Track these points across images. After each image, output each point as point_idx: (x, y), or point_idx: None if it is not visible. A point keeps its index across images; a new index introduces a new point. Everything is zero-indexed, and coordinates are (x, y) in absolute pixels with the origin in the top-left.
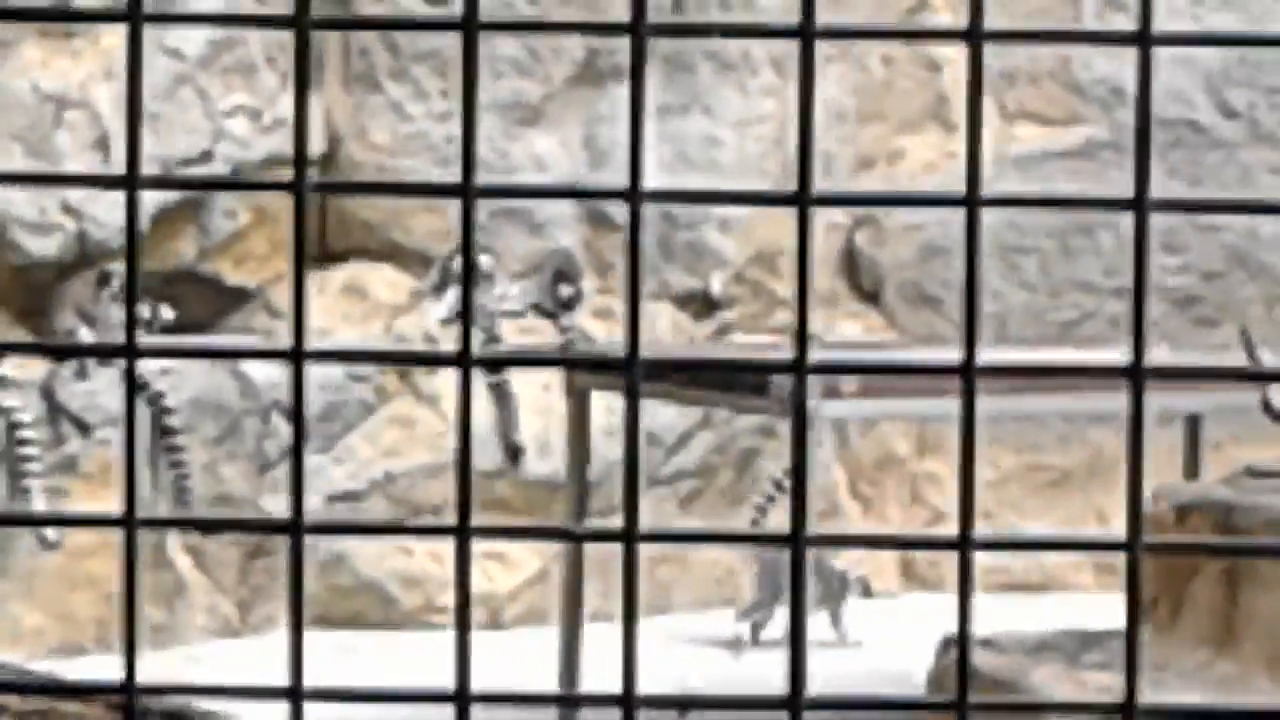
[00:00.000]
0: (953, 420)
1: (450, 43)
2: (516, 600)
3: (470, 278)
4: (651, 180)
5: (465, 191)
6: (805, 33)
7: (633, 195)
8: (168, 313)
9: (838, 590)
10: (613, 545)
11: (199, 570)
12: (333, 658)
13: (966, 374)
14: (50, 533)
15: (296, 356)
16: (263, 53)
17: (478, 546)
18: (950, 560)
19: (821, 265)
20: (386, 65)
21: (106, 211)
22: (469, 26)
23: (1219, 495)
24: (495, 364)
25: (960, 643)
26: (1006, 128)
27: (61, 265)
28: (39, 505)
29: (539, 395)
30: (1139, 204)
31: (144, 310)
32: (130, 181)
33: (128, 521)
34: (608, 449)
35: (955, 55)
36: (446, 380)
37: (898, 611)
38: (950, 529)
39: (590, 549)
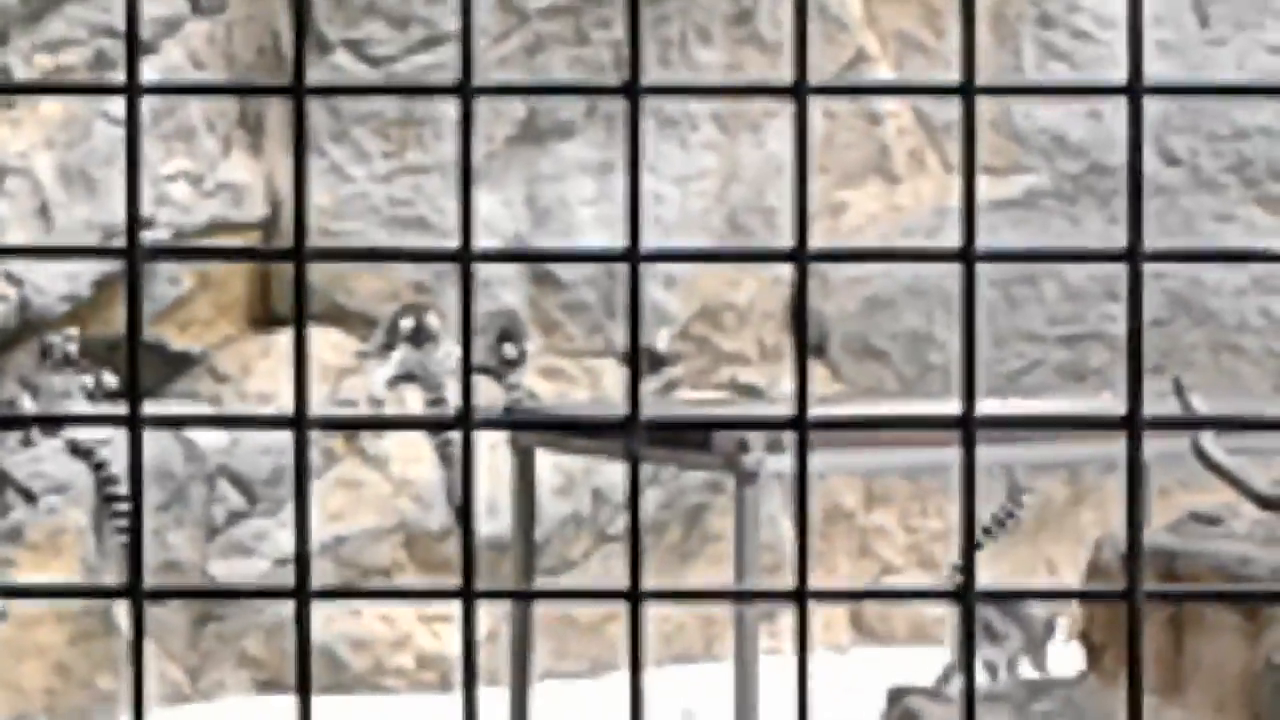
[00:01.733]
0: (900, 472)
1: (389, 105)
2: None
3: (469, 339)
4: (592, 238)
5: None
6: (799, 90)
7: (633, 255)
8: (111, 379)
9: (1041, 636)
10: (565, 605)
11: (148, 638)
12: None
13: (966, 425)
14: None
15: (299, 424)
16: (203, 117)
17: (426, 609)
18: (901, 613)
19: (767, 319)
20: (327, 127)
21: (49, 280)
22: (465, 91)
23: (1162, 541)
24: (499, 426)
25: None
26: (949, 179)
27: (3, 334)
28: None
29: (486, 455)
30: (1132, 256)
31: (87, 378)
32: (131, 252)
33: (133, 592)
34: (554, 507)
35: (897, 108)
36: (393, 443)
37: (847, 665)
38: (899, 580)
39: (548, 605)
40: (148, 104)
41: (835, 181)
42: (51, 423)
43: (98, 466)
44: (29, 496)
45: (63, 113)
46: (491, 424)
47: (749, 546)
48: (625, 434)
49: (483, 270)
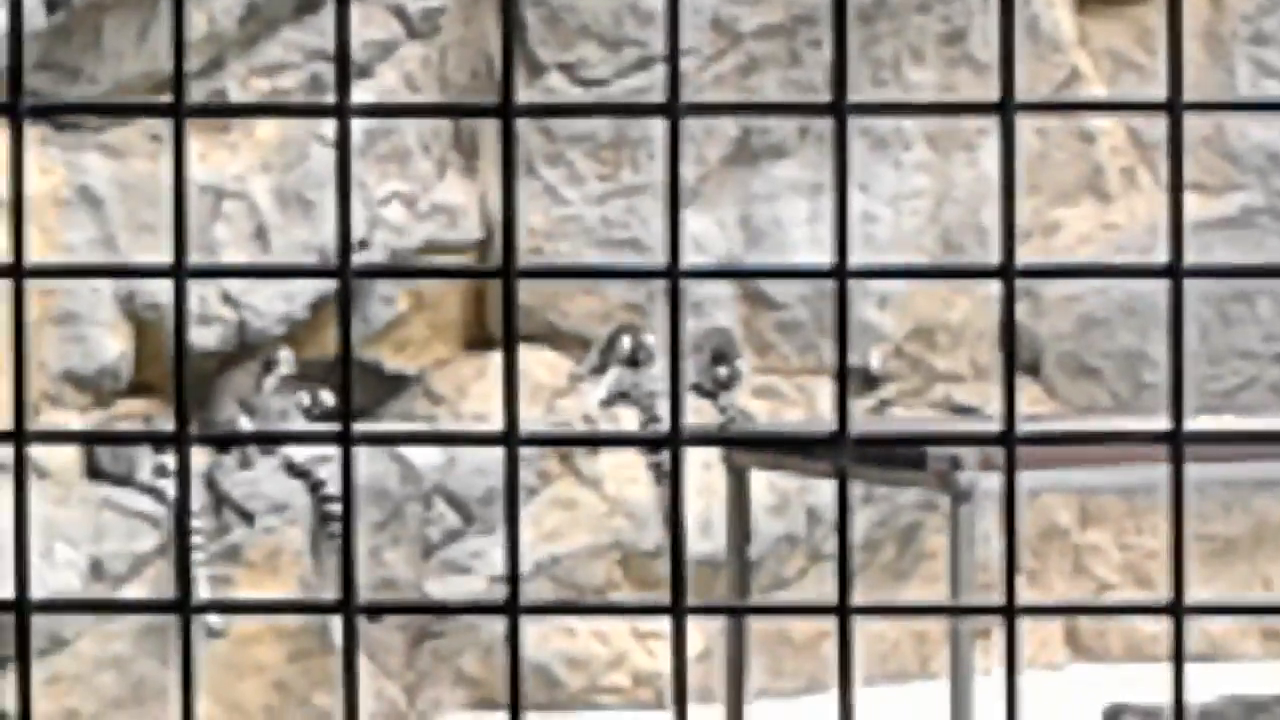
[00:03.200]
0: (1114, 490)
1: (602, 127)
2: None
3: (677, 354)
4: (805, 258)
5: (673, 273)
6: (1005, 107)
7: (840, 271)
8: (328, 398)
9: None
10: (776, 621)
11: (365, 656)
12: None
13: (1175, 441)
14: (216, 620)
15: (509, 440)
16: (418, 140)
17: (642, 625)
18: (1117, 630)
19: (981, 339)
20: (541, 149)
21: (266, 302)
22: (672, 111)
23: None
24: (708, 443)
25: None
26: (1162, 196)
27: (221, 355)
28: (204, 594)
29: (700, 474)
30: None
31: (304, 397)
32: (343, 271)
33: (346, 607)
34: (768, 527)
35: (1110, 126)
36: (607, 462)
37: (1063, 683)
38: (1117, 598)
39: (763, 624)
40: (362, 126)
41: (1048, 201)
42: (266, 440)
43: (315, 486)
44: (247, 517)
45: (278, 136)
46: (700, 440)
47: (963, 565)
48: (833, 450)
49: (695, 291)
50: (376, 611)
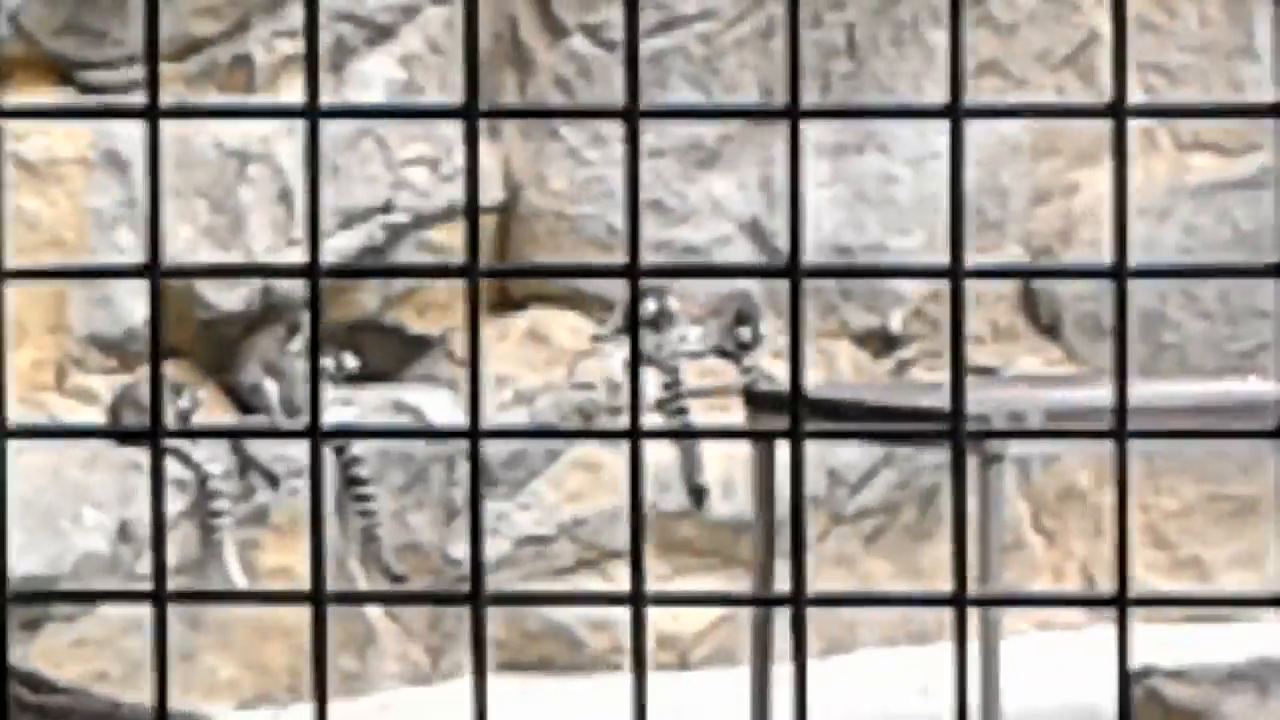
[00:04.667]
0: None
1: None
2: (704, 641)
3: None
4: (827, 219)
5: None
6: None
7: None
8: (351, 361)
9: None
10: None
11: (389, 618)
12: (520, 703)
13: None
14: (241, 581)
15: (314, 434)
16: (442, 103)
17: (665, 587)
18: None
19: (1001, 301)
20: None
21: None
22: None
23: None
24: (672, 436)
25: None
26: (1182, 158)
27: (247, 319)
28: (230, 557)
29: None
30: None
31: (328, 360)
32: (153, 271)
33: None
34: (788, 488)
35: (1129, 87)
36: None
37: (1080, 643)
38: (1135, 559)
39: (784, 585)
40: (386, 89)
41: (1067, 162)
42: (237, 435)
43: (339, 450)
44: (272, 479)
45: (303, 98)
46: (656, 434)
47: (992, 528)
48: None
49: (719, 253)
50: (344, 601)
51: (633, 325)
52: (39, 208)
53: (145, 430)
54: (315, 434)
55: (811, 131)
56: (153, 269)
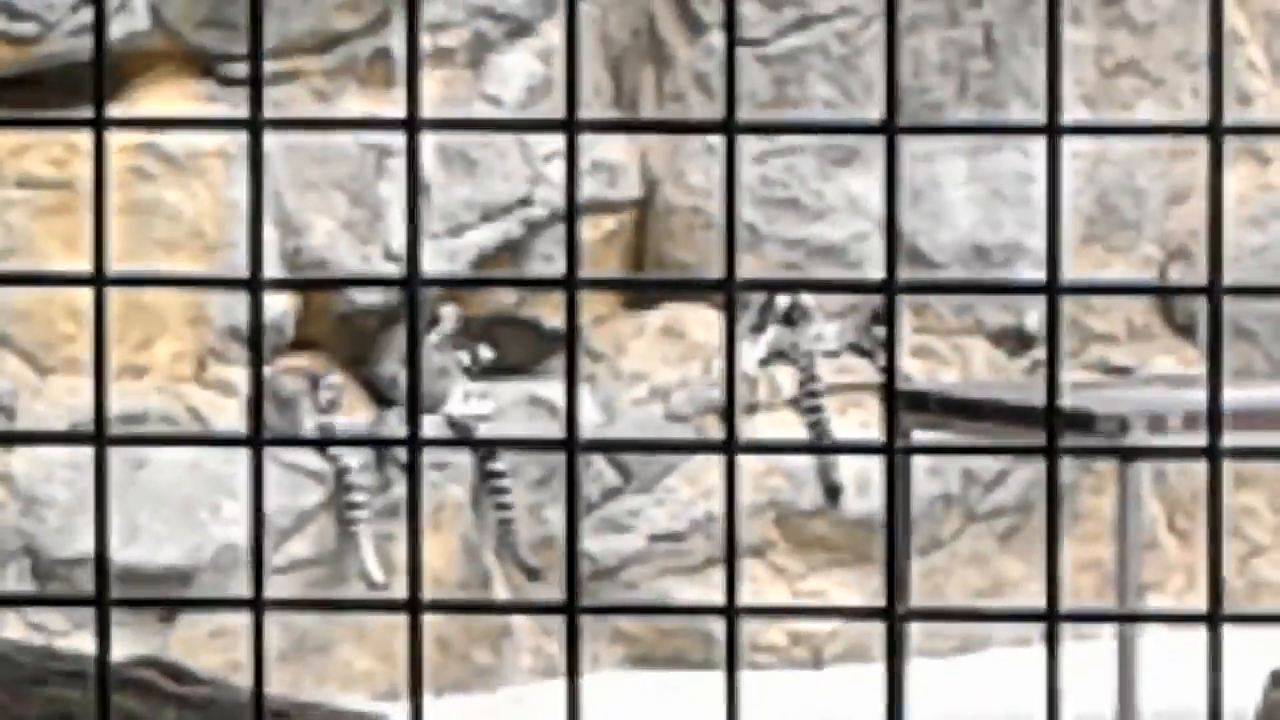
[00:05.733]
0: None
1: (763, 85)
2: (837, 638)
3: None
4: (963, 218)
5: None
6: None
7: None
8: (487, 353)
9: None
10: (937, 579)
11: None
12: (657, 698)
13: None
14: (378, 574)
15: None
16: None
17: (799, 585)
18: (1269, 591)
19: (1136, 301)
20: (701, 108)
21: (430, 260)
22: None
23: None
24: (767, 450)
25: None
26: None
27: (386, 313)
28: (367, 550)
29: (858, 434)
30: None
31: (465, 355)
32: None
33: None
34: (924, 487)
35: (1267, 89)
36: (764, 420)
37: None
38: (1268, 561)
39: (919, 585)
40: (524, 83)
41: (1204, 163)
42: (331, 444)
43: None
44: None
45: (442, 94)
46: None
47: (1131, 527)
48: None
49: (855, 251)
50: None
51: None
52: (181, 200)
53: (246, 438)
54: (415, 442)
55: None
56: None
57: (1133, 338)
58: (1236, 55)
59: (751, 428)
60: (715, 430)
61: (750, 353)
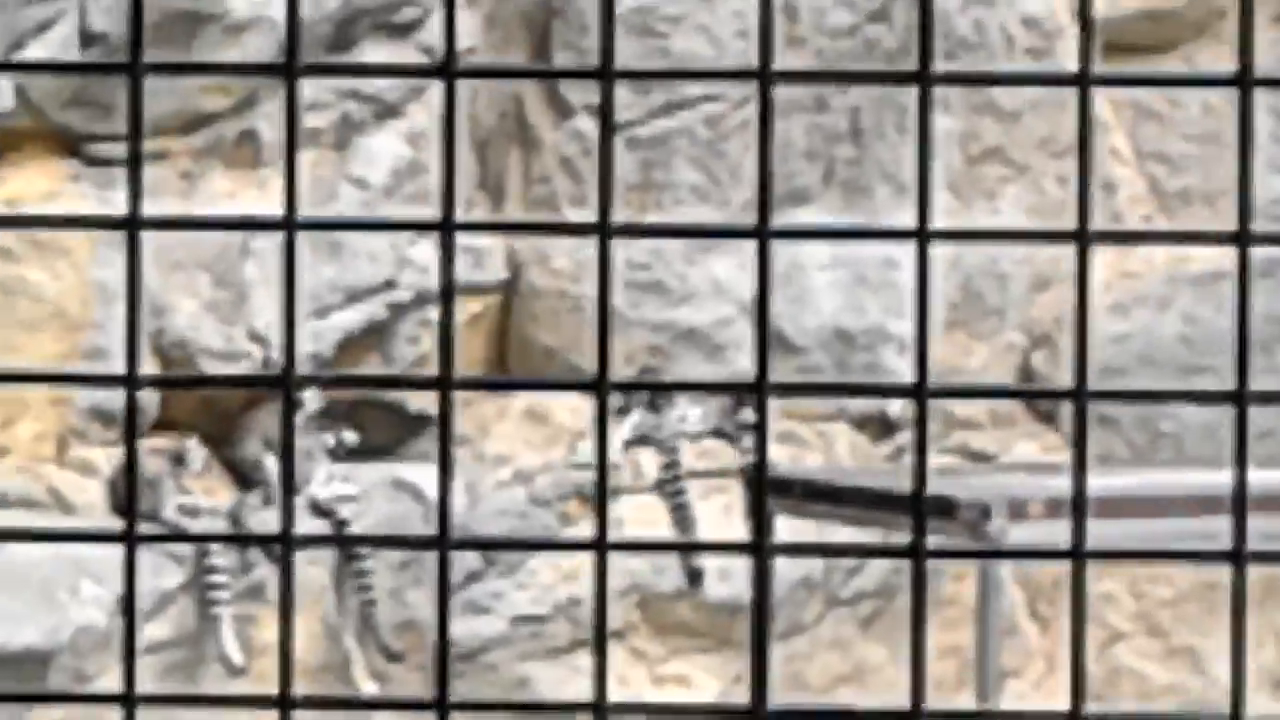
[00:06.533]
0: (1128, 541)
1: (629, 170)
2: None
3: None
4: (826, 302)
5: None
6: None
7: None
8: (351, 437)
9: None
10: (799, 665)
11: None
12: None
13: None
14: (237, 657)
15: (285, 540)
16: (444, 180)
17: (661, 669)
18: (1133, 679)
19: (999, 387)
20: (568, 191)
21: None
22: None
23: None
24: (637, 549)
25: None
26: (1180, 247)
27: (249, 393)
28: (227, 633)
29: (721, 519)
30: None
31: (330, 437)
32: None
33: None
34: (787, 571)
35: (1130, 176)
36: (627, 504)
37: None
38: (1128, 647)
39: (781, 670)
40: (391, 166)
41: (1070, 249)
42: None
43: (339, 525)
44: (271, 554)
45: (308, 175)
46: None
47: (991, 613)
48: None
49: (718, 335)
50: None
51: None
52: (44, 280)
53: (120, 534)
54: (288, 540)
55: (812, 216)
56: (131, 380)
57: (995, 424)
58: (1101, 143)
59: (614, 511)
60: (579, 514)
61: (614, 436)
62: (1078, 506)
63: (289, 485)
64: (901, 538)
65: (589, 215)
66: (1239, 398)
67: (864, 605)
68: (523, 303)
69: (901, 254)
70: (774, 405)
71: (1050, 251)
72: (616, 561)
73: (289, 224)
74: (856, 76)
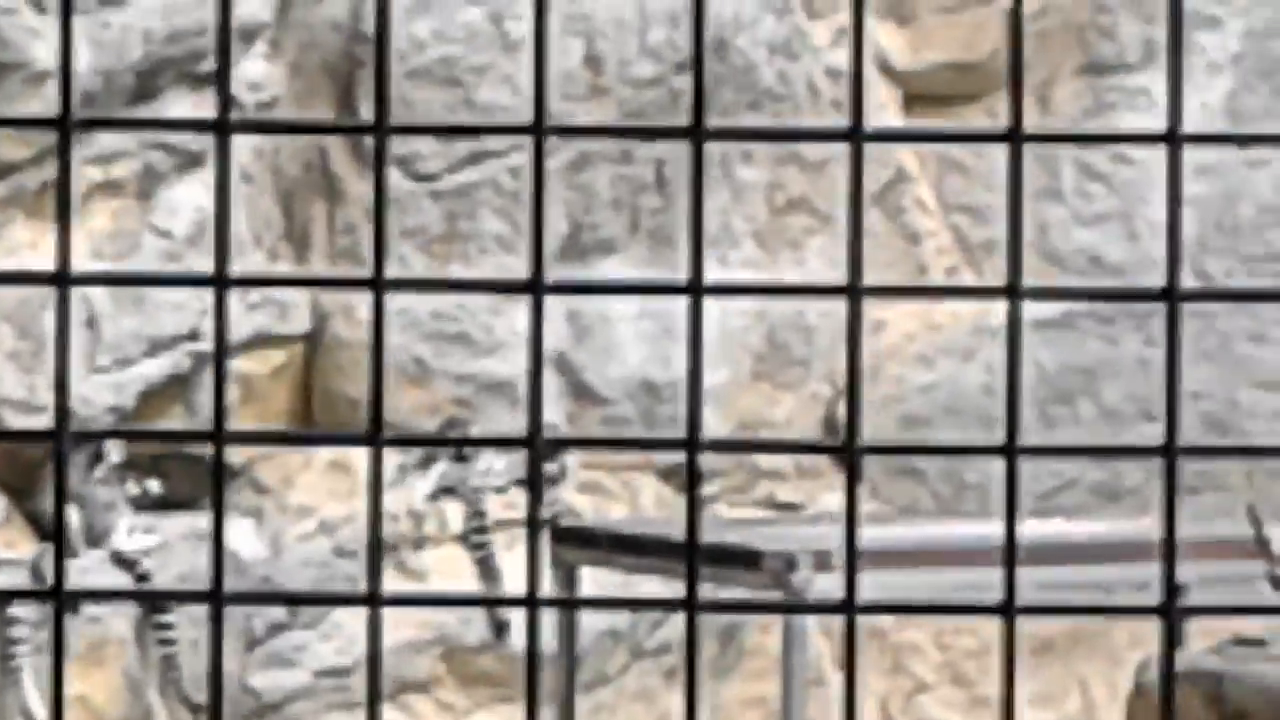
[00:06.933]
0: (937, 593)
1: (434, 221)
2: None
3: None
4: (632, 354)
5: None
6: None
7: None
8: (155, 488)
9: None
10: (604, 716)
11: None
12: None
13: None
14: (39, 711)
15: (58, 596)
16: (250, 230)
17: None
18: None
19: (804, 436)
20: (372, 242)
21: (95, 391)
22: (376, 285)
23: (1208, 664)
24: (409, 603)
25: None
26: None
27: (49, 444)
28: (29, 686)
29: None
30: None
31: (132, 487)
32: (59, 434)
33: None
34: (592, 621)
35: (935, 227)
36: (433, 557)
37: None
38: (933, 698)
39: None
40: (194, 217)
41: (873, 300)
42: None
43: (141, 578)
44: (74, 607)
45: (111, 225)
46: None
47: (796, 664)
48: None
49: (522, 386)
50: None
51: (374, 493)
52: None
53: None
54: (59, 595)
55: (618, 267)
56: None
57: (801, 475)
58: (905, 194)
59: (418, 562)
60: (384, 565)
61: (419, 487)
62: (850, 561)
63: (59, 542)
64: (704, 589)
65: (393, 267)
66: (1009, 451)
67: (667, 657)
68: (327, 354)
69: (709, 304)
70: (580, 455)
71: None
72: (421, 614)
73: (61, 279)
74: (631, 131)
